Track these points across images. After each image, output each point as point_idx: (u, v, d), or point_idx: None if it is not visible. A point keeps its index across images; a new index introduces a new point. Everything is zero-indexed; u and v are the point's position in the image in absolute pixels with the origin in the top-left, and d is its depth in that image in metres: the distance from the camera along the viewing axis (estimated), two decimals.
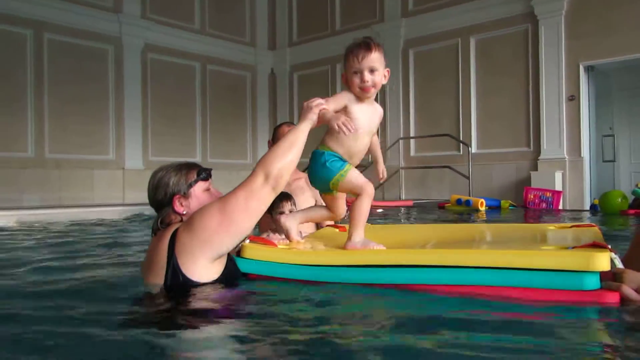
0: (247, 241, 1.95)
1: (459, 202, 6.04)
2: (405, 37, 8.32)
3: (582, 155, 6.64)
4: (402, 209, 6.51)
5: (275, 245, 1.96)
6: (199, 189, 1.92)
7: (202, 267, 1.74)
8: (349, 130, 1.83)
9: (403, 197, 8.14)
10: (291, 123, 3.62)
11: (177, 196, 1.88)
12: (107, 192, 7.73)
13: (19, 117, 7.03)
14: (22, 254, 2.80)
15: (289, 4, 10.11)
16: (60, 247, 3.18)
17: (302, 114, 1.93)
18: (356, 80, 1.89)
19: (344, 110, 1.90)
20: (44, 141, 7.26)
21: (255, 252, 1.88)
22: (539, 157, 6.90)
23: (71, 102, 7.49)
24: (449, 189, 7.48)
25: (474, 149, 7.47)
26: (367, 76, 1.87)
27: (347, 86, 1.93)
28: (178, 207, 1.88)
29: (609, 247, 1.50)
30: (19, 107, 7.02)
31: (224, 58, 9.56)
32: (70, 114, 7.48)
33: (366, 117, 1.93)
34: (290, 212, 2.73)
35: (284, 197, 2.83)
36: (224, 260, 1.82)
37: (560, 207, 6.17)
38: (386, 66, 1.93)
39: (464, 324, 1.29)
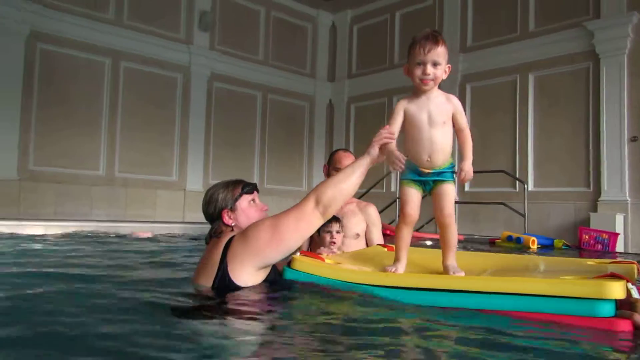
0: (298, 253, 2.15)
1: (509, 238, 5.93)
2: (462, 72, 8.37)
3: None
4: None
5: (322, 259, 2.13)
6: (244, 202, 2.16)
7: (248, 274, 1.94)
8: (401, 168, 1.95)
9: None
10: (347, 150, 3.80)
11: (226, 210, 2.12)
12: (169, 211, 8.15)
13: (94, 138, 7.59)
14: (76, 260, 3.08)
15: (349, 37, 10.41)
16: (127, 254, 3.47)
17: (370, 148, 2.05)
18: (418, 71, 1.92)
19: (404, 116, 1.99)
20: (114, 161, 7.78)
21: (303, 265, 2.06)
22: (599, 199, 6.68)
23: (141, 126, 8.01)
24: (503, 226, 7.34)
25: (530, 186, 7.33)
26: (430, 69, 1.89)
27: (408, 76, 1.99)
28: (227, 219, 2.12)
29: (628, 279, 1.57)
30: (94, 128, 7.59)
31: (284, 88, 9.93)
32: (140, 137, 7.99)
33: (424, 110, 1.96)
34: (338, 232, 2.96)
35: (333, 218, 3.06)
36: (268, 270, 2.02)
37: (618, 249, 5.93)
38: (448, 62, 1.96)
39: (491, 345, 1.37)
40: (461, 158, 2.02)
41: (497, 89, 7.97)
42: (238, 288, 1.92)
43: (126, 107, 7.88)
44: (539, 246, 5.78)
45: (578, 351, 1.35)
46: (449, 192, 2.01)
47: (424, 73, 1.91)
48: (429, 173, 2.00)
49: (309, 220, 1.96)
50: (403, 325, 1.57)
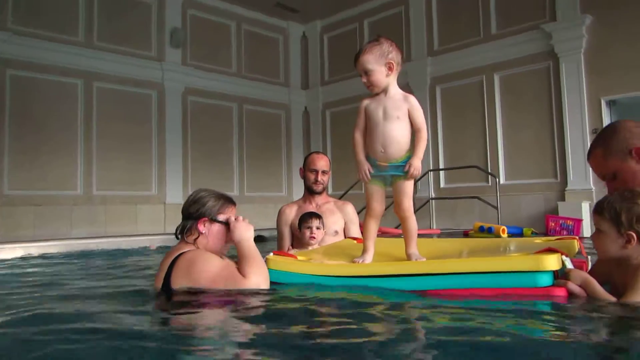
0: (272, 254, 2.27)
1: (481, 229, 6.17)
2: (431, 75, 8.61)
3: None
4: (434, 236, 6.67)
5: (295, 257, 2.28)
6: (221, 227, 2.21)
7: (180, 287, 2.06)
8: (367, 179, 2.17)
9: (434, 226, 8.27)
10: (320, 152, 3.97)
11: (206, 219, 2.18)
12: (150, 225, 8.21)
13: (70, 158, 7.61)
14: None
15: (320, 46, 10.61)
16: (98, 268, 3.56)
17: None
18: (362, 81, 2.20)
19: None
20: (91, 180, 7.81)
21: (278, 264, 2.19)
22: (566, 188, 6.95)
23: (117, 144, 8.05)
24: (479, 219, 7.57)
25: (502, 180, 7.58)
26: (364, 78, 2.17)
27: None
28: (201, 227, 2.17)
29: (562, 252, 1.78)
30: (70, 149, 7.61)
31: (259, 98, 10.07)
32: (116, 154, 8.03)
33: (380, 106, 2.17)
34: (318, 228, 3.13)
35: (313, 215, 3.22)
36: None
37: (582, 234, 6.19)
38: (389, 60, 2.16)
39: (449, 319, 1.56)
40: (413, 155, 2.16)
41: (465, 89, 8.23)
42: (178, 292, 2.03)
43: (101, 126, 7.92)
44: (509, 235, 6.00)
45: (525, 317, 1.55)
46: (405, 187, 2.18)
47: (364, 82, 2.18)
48: (385, 167, 2.16)
49: (244, 287, 2.01)
50: (370, 310, 1.71)
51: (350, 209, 3.66)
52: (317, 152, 3.84)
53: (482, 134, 7.98)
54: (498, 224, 6.86)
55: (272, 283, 2.11)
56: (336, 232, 3.50)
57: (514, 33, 7.58)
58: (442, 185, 8.48)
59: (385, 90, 2.19)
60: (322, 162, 3.65)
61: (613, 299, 1.61)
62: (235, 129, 9.71)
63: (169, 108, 8.68)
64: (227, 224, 2.19)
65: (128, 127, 8.21)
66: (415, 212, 7.48)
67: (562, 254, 1.78)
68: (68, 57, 7.57)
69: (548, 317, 1.57)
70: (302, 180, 3.70)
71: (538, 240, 2.51)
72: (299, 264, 2.19)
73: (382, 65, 2.15)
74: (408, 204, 2.18)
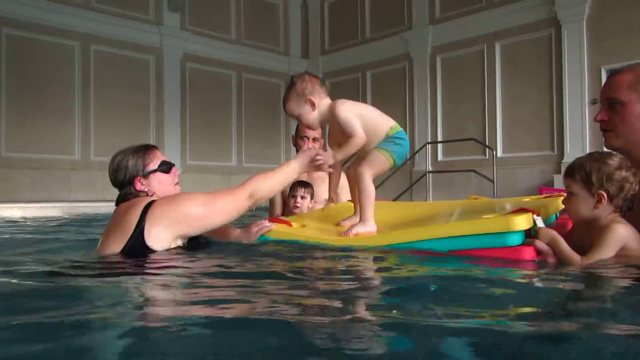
0: (267, 221, 2.30)
1: None
2: (432, 44, 8.50)
3: None
4: None
5: (290, 224, 2.32)
6: (158, 174, 2.11)
7: (165, 239, 1.91)
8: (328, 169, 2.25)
9: (430, 199, 8.27)
10: None
11: (138, 177, 2.06)
12: None
13: (69, 124, 7.62)
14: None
15: (320, 14, 10.46)
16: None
17: (298, 155, 2.24)
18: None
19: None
20: (89, 145, 7.82)
21: (273, 233, 2.24)
22: (562, 161, 6.92)
23: (115, 109, 8.04)
24: (475, 192, 7.55)
25: (499, 153, 7.55)
26: (300, 123, 2.32)
27: None
28: (139, 186, 2.06)
29: (534, 212, 1.79)
30: (68, 115, 7.61)
31: (258, 66, 9.98)
32: (114, 121, 8.01)
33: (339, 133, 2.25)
34: (303, 197, 3.14)
35: (302, 183, 3.23)
36: (184, 240, 2.01)
37: None
38: (308, 98, 2.17)
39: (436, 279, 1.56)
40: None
41: (466, 59, 8.13)
42: (152, 251, 1.86)
43: (99, 90, 7.89)
44: None
45: (495, 274, 1.60)
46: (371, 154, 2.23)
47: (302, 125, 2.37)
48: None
49: (239, 208, 2.02)
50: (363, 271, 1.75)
51: (341, 177, 3.67)
52: None
53: (481, 105, 7.92)
54: (494, 197, 6.86)
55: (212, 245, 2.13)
56: (327, 200, 3.52)
57: (516, 0, 7.45)
58: (439, 158, 8.45)
59: (322, 115, 2.23)
60: (312, 130, 3.64)
61: (577, 256, 1.65)
62: (234, 97, 9.65)
63: (167, 74, 8.63)
64: (161, 169, 2.11)
65: (126, 92, 8.18)
66: (412, 185, 7.49)
67: (533, 213, 1.78)
68: (65, 18, 7.50)
69: (517, 272, 1.61)
70: (294, 147, 3.71)
71: (527, 199, 2.52)
72: (297, 232, 2.24)
73: (304, 105, 2.18)
74: (363, 169, 2.20)
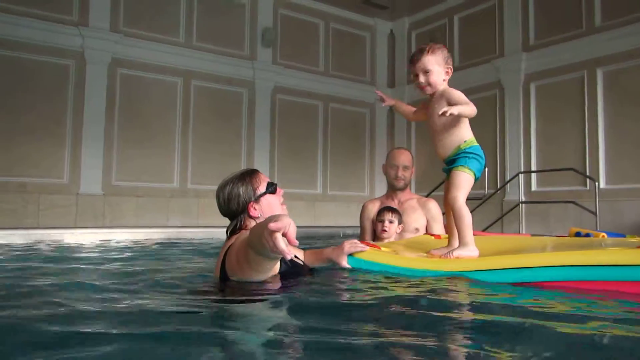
0: (357, 241, 2.33)
1: (578, 235, 5.79)
2: (525, 71, 8.24)
3: None
4: None
5: (379, 248, 2.35)
6: (266, 196, 2.12)
7: (244, 277, 1.87)
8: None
9: (523, 231, 7.92)
10: (402, 147, 3.99)
11: (251, 203, 2.07)
12: None
13: (168, 153, 8.11)
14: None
15: (407, 44, 10.49)
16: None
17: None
18: (416, 81, 2.28)
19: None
20: (187, 174, 8.27)
21: (365, 255, 2.26)
22: None
23: (211, 139, 8.47)
24: (574, 224, 7.15)
25: (602, 184, 7.11)
26: (421, 78, 2.24)
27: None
28: (253, 212, 2.07)
29: None
30: (169, 147, 8.12)
31: (345, 97, 10.14)
32: (210, 150, 8.44)
33: (432, 112, 2.29)
34: (391, 222, 3.17)
35: (388, 209, 3.26)
36: (266, 273, 1.87)
37: None
38: (448, 67, 2.27)
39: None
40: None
41: (563, 86, 7.79)
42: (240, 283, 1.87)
43: (197, 123, 8.36)
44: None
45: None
46: (453, 178, 2.26)
47: (415, 81, 2.29)
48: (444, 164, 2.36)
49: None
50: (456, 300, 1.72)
51: (433, 206, 3.60)
52: (399, 148, 3.84)
53: (581, 134, 7.52)
54: (597, 230, 6.45)
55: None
56: (417, 230, 3.46)
57: (621, 25, 7.06)
58: (533, 188, 8.10)
59: (438, 91, 2.29)
60: (403, 158, 3.64)
61: None
62: (320, 126, 9.85)
63: (258, 105, 8.98)
64: (269, 190, 2.10)
65: (221, 123, 8.61)
66: (503, 215, 7.26)
67: None
68: (170, 57, 8.08)
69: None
70: (384, 176, 3.75)
71: (633, 239, 2.37)
72: (384, 256, 2.24)
73: (442, 68, 2.24)
74: (454, 194, 2.19)
